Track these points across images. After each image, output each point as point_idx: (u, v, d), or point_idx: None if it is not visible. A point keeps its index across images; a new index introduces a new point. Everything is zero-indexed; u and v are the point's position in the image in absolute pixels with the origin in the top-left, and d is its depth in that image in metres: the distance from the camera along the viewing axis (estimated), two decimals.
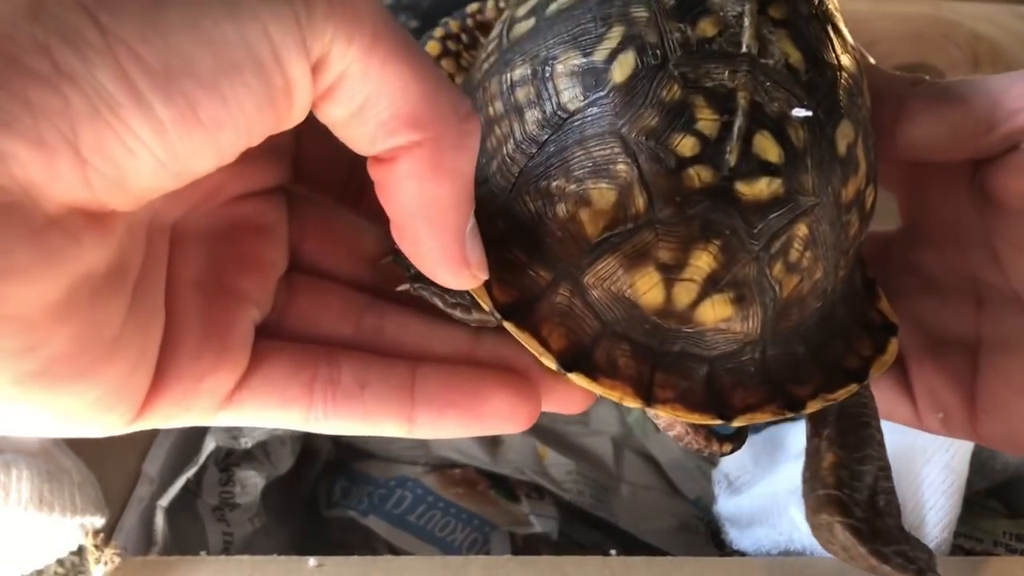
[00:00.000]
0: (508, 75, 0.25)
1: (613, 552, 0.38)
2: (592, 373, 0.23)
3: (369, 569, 0.37)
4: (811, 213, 0.23)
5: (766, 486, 0.48)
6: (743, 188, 0.22)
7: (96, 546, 0.37)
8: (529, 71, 0.25)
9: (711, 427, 0.27)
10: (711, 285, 0.23)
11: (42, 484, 0.35)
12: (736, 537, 0.48)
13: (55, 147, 0.16)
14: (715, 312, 0.23)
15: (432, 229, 0.21)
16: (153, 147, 0.17)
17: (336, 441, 0.60)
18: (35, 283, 0.17)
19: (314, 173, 0.27)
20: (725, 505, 0.50)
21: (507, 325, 0.24)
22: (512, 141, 0.25)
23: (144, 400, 0.21)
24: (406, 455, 0.58)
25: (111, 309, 0.19)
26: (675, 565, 0.37)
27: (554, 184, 0.24)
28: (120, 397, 0.20)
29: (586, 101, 0.23)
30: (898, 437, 0.45)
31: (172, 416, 0.22)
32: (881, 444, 0.27)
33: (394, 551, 0.52)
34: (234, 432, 0.50)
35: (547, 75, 0.24)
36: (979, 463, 0.48)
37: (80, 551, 0.37)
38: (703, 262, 0.23)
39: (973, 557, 0.43)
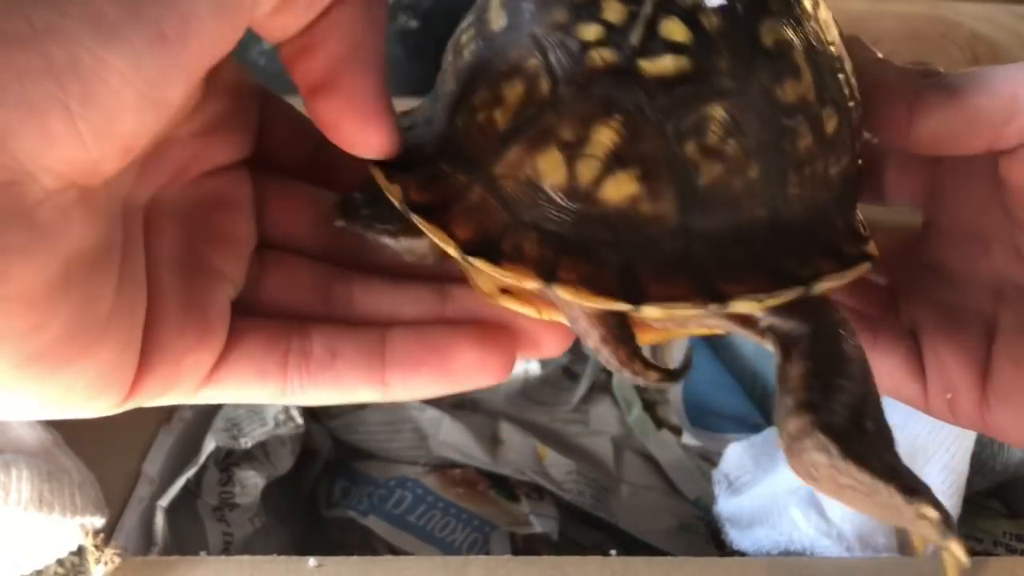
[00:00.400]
0: (460, 27, 0.27)
1: (613, 552, 0.38)
2: (496, 259, 0.23)
3: (369, 569, 0.37)
4: (729, 97, 0.23)
5: (766, 486, 0.48)
6: (647, 65, 0.22)
7: (96, 546, 0.37)
8: (474, 17, 0.26)
9: (634, 343, 0.25)
10: (615, 161, 0.22)
11: (42, 484, 0.35)
12: (736, 537, 0.48)
13: (45, 108, 0.17)
14: (619, 189, 0.22)
15: (355, 75, 0.22)
16: (132, 78, 0.18)
17: (336, 441, 0.60)
18: (34, 261, 0.17)
19: (280, 154, 0.28)
20: (725, 505, 0.50)
21: (415, 219, 0.24)
22: (452, 77, 0.26)
23: (133, 380, 0.22)
24: (406, 455, 0.58)
25: (103, 287, 0.20)
26: (675, 565, 0.37)
27: (476, 97, 0.24)
28: (112, 378, 0.21)
29: (508, 20, 0.24)
30: (897, 435, 0.45)
31: (157, 395, 0.22)
32: (867, 373, 0.25)
33: (394, 551, 0.52)
34: (234, 432, 0.50)
35: (484, 16, 0.25)
36: (979, 463, 0.48)
37: (80, 551, 0.37)
38: (605, 137, 0.22)
39: (973, 557, 0.43)
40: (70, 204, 0.18)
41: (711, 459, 0.57)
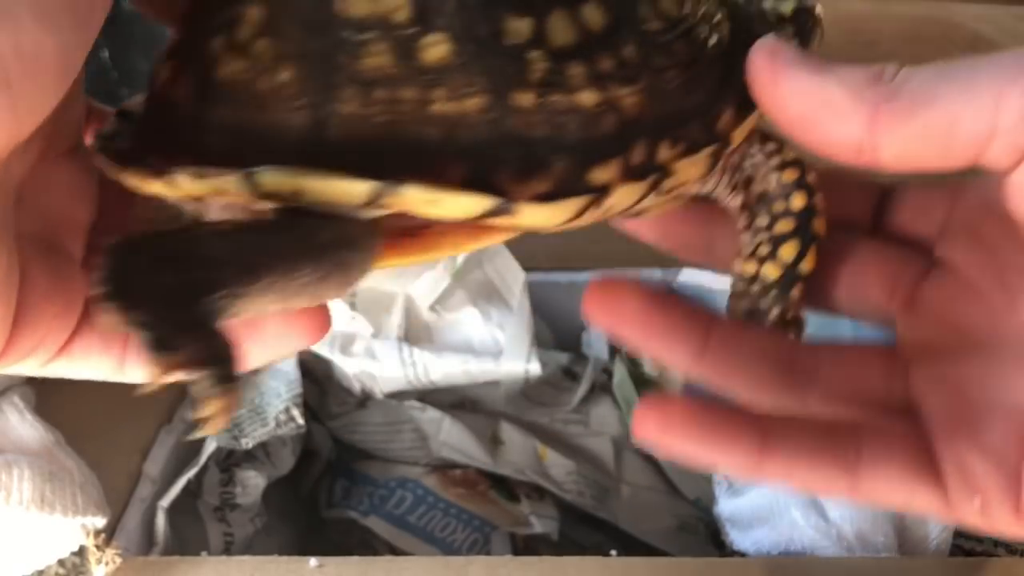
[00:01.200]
0: None
1: (613, 553, 0.39)
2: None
3: (369, 569, 0.37)
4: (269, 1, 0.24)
5: (766, 486, 0.48)
6: None
7: (97, 546, 0.37)
8: None
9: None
10: (172, 54, 0.26)
11: (44, 484, 0.35)
12: (736, 537, 0.48)
13: None
14: (161, 75, 0.26)
15: None
16: (61, 57, 0.20)
17: (337, 441, 0.60)
18: None
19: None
20: (725, 506, 0.51)
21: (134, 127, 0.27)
22: None
23: (8, 339, 0.23)
24: (406, 456, 0.59)
25: (5, 242, 0.21)
26: (675, 565, 0.37)
27: None
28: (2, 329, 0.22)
29: None
30: None
31: (18, 359, 0.24)
32: (238, 246, 0.24)
33: (395, 551, 0.52)
34: (235, 432, 0.50)
35: None
36: None
37: (81, 551, 0.37)
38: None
39: (973, 557, 0.43)
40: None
41: None
